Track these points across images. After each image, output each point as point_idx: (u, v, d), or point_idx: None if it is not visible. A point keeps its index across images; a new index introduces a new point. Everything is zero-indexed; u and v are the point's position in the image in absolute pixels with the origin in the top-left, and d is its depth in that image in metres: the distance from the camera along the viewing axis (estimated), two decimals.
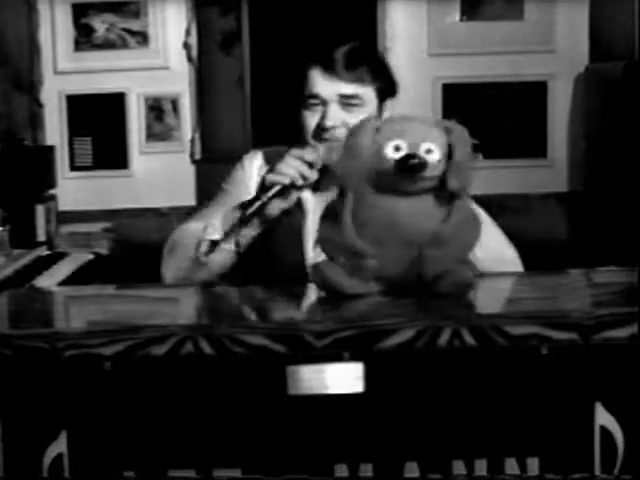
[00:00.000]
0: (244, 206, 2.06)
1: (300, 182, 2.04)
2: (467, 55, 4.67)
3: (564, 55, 4.69)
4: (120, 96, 4.70)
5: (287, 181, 2.02)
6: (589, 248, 4.39)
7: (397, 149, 1.51)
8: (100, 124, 4.72)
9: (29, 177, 4.31)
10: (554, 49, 4.70)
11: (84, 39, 4.67)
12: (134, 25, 4.67)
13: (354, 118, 2.01)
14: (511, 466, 1.41)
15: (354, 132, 1.57)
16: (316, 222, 2.07)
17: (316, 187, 2.11)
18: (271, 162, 2.20)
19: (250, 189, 2.16)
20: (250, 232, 2.07)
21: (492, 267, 1.90)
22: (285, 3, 4.68)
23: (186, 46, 4.69)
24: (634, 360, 1.40)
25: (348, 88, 2.08)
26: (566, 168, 4.78)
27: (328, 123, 2.07)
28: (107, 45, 4.68)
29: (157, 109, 4.73)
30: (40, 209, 4.32)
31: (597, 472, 1.41)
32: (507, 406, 1.41)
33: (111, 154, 4.74)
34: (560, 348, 1.39)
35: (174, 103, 4.72)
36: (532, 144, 4.73)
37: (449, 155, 1.54)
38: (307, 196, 2.13)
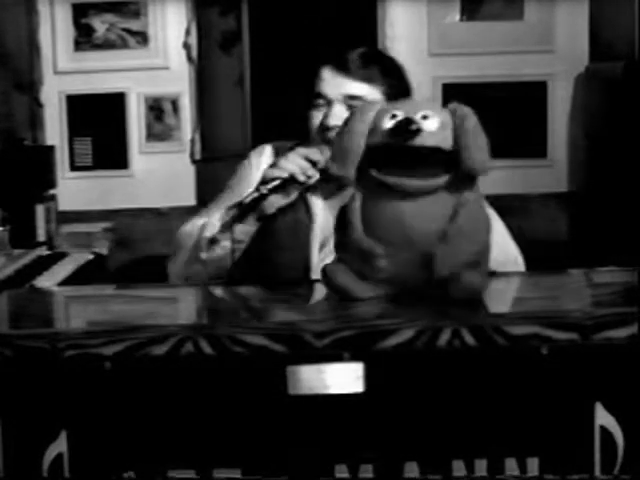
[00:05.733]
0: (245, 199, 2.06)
1: (301, 178, 2.03)
2: (467, 55, 4.67)
3: (564, 55, 4.69)
4: (120, 96, 4.70)
5: (286, 175, 2.02)
6: (589, 248, 4.39)
7: (394, 117, 1.48)
8: (100, 124, 4.72)
9: (29, 177, 4.31)
10: (554, 49, 4.70)
11: (84, 39, 4.67)
12: (134, 25, 4.67)
13: None
14: (511, 466, 1.41)
15: (351, 113, 1.54)
16: (322, 226, 2.08)
17: (324, 191, 2.11)
18: (279, 155, 2.20)
19: (253, 185, 2.16)
20: (246, 228, 2.06)
21: (496, 267, 1.90)
22: (285, 3, 4.68)
23: (186, 46, 4.69)
24: (634, 360, 1.40)
25: (353, 88, 2.08)
26: (566, 168, 4.78)
27: (331, 122, 2.06)
28: (107, 45, 4.68)
29: (157, 109, 4.73)
30: (40, 209, 4.31)
31: (597, 472, 1.41)
32: (507, 406, 1.41)
33: (111, 154, 4.74)
34: (560, 348, 1.39)
35: (174, 103, 4.72)
36: (532, 144, 4.73)
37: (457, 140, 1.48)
38: (315, 200, 2.12)
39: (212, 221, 2.10)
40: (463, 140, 1.47)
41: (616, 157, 4.32)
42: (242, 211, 2.05)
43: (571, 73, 4.70)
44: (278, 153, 2.20)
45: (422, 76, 4.65)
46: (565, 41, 4.69)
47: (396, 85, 2.13)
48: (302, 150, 2.05)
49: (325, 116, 2.09)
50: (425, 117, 1.47)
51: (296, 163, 2.03)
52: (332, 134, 2.04)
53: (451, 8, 4.67)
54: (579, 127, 4.70)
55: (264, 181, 2.04)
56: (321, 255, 2.06)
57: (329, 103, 2.09)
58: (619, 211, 4.22)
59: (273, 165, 2.06)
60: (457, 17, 4.68)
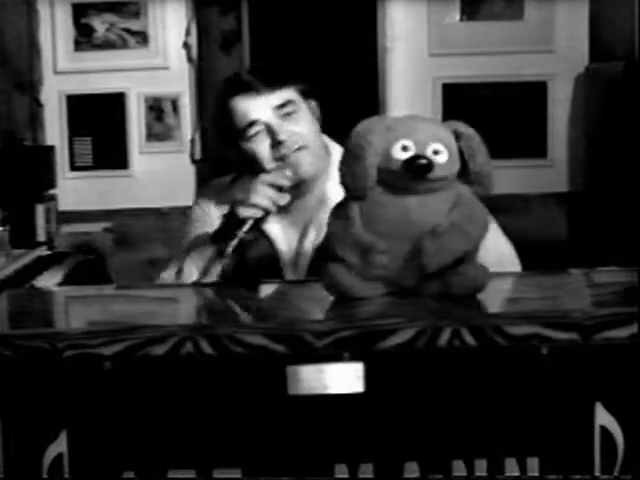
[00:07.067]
0: (216, 239, 2.05)
1: (274, 210, 2.03)
2: (467, 55, 4.68)
3: (564, 55, 4.69)
4: (120, 96, 4.70)
5: (260, 214, 2.01)
6: (589, 248, 4.39)
7: (405, 149, 1.51)
8: (100, 124, 4.72)
9: (29, 177, 4.31)
10: (554, 49, 4.70)
11: (84, 39, 4.68)
12: (134, 25, 4.68)
13: (297, 125, 2.05)
14: (511, 466, 1.41)
15: (361, 131, 1.54)
16: (287, 246, 2.09)
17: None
18: (221, 195, 2.18)
19: (214, 226, 2.12)
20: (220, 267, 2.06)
21: (491, 266, 1.89)
22: (285, 3, 4.69)
23: (186, 46, 4.69)
24: (634, 360, 1.40)
25: (276, 98, 2.07)
26: (566, 168, 4.78)
27: (282, 137, 2.05)
28: (107, 45, 4.68)
29: (157, 109, 4.73)
30: (40, 209, 4.32)
31: (597, 472, 1.41)
32: (507, 406, 1.41)
33: (111, 154, 4.74)
34: (560, 348, 1.39)
35: (174, 103, 4.73)
36: (532, 144, 4.73)
37: (463, 160, 1.54)
38: (269, 223, 2.11)
39: (187, 269, 2.08)
40: (474, 172, 1.55)
41: (616, 157, 4.32)
42: (226, 253, 2.04)
43: (571, 73, 4.70)
44: (220, 191, 2.20)
45: (422, 76, 4.66)
46: (565, 41, 4.69)
47: (303, 82, 2.12)
48: (267, 178, 2.03)
49: (272, 135, 2.06)
50: (436, 152, 1.51)
51: (266, 196, 2.00)
52: (284, 150, 2.05)
53: (451, 8, 4.67)
54: (579, 127, 4.70)
55: (237, 220, 2.02)
56: (297, 273, 2.06)
57: (264, 124, 2.07)
58: (619, 211, 4.22)
59: (242, 203, 2.02)
60: (457, 17, 4.68)
